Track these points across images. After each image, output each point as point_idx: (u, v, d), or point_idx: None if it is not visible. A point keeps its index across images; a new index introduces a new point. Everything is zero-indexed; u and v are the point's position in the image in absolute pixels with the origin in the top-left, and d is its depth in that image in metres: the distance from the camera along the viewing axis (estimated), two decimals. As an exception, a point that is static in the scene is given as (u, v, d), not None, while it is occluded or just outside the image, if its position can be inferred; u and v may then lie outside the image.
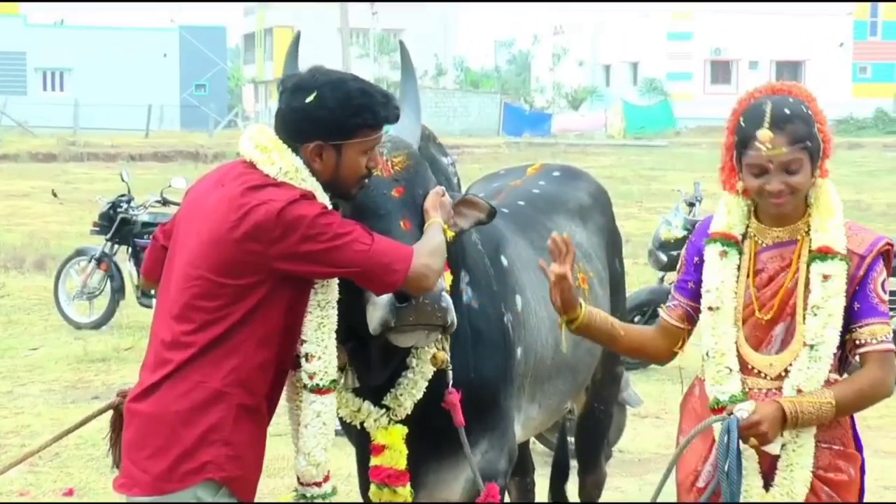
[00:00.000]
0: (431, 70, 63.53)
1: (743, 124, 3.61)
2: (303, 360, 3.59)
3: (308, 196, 3.43)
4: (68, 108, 43.79)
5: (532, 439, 6.45)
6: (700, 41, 60.02)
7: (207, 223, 3.44)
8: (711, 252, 3.76)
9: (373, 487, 3.97)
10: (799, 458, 3.64)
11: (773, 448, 3.60)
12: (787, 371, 3.65)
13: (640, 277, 12.43)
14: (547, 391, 4.75)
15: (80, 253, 12.24)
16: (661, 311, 3.94)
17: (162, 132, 40.93)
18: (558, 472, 5.78)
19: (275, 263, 3.39)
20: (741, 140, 3.61)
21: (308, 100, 3.49)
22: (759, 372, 3.71)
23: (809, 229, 3.67)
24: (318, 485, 3.68)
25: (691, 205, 10.47)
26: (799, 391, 3.59)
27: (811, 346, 3.61)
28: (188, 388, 3.40)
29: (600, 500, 5.79)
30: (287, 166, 3.49)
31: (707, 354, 3.76)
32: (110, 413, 3.79)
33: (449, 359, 3.93)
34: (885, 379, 3.63)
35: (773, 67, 58.44)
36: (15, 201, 23.06)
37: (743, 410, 3.55)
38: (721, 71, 61.35)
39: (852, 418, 3.78)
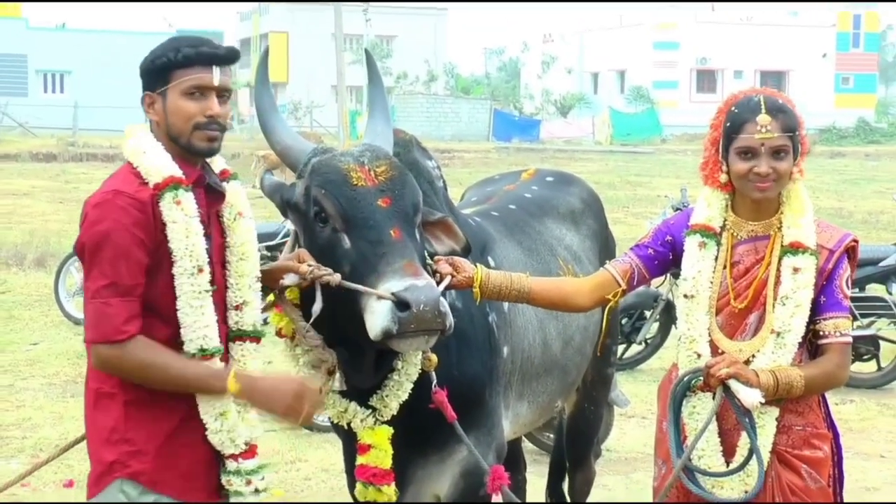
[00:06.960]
0: (423, 76, 63.51)
1: (736, 110, 3.87)
2: (232, 312, 3.69)
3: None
4: (68, 110, 43.81)
5: (523, 438, 6.61)
6: (686, 50, 60.14)
7: None
8: (691, 243, 4.00)
9: (359, 486, 4.05)
10: (760, 437, 3.86)
11: (752, 396, 3.76)
12: (754, 357, 3.89)
13: (628, 282, 12.55)
14: (536, 389, 4.82)
15: (79, 251, 12.35)
16: (607, 264, 4.14)
17: (157, 134, 40.81)
18: (556, 472, 5.85)
19: None
20: (733, 126, 3.86)
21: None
22: None
23: (782, 225, 3.92)
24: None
25: (678, 210, 10.54)
26: None
27: (778, 334, 3.84)
28: (90, 396, 3.60)
29: (589, 500, 5.90)
30: (136, 142, 3.60)
31: (680, 339, 4.01)
32: None
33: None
34: (845, 366, 3.92)
35: (758, 77, 58.55)
36: (16, 200, 23.20)
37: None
38: (706, 80, 61.45)
39: (823, 402, 4.03)
